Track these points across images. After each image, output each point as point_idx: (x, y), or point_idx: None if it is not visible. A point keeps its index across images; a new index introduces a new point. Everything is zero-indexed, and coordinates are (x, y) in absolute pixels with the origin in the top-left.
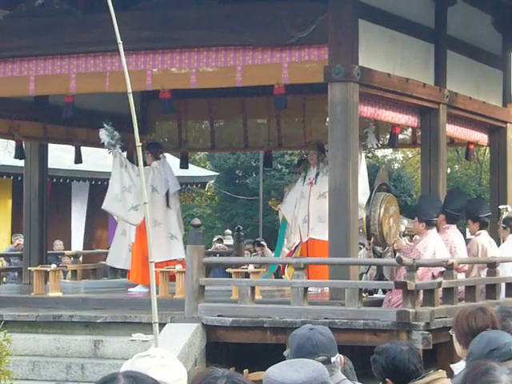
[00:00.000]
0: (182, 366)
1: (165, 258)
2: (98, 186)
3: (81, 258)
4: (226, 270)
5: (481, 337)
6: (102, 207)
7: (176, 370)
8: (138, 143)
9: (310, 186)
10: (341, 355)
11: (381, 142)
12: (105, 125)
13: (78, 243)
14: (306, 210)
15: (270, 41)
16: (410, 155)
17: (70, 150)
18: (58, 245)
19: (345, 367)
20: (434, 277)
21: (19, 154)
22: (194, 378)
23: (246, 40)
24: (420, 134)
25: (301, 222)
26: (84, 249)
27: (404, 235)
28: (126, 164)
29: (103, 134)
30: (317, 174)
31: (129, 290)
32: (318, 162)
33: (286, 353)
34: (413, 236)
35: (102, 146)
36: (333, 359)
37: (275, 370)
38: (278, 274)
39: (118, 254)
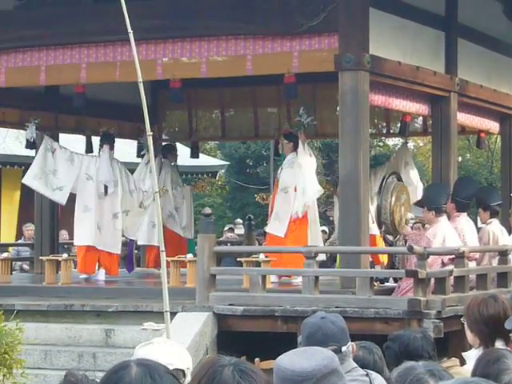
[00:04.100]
0: (186, 350)
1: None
2: None
3: None
4: (237, 259)
5: None
6: (22, 181)
7: (181, 354)
8: (149, 132)
9: (277, 181)
10: (353, 343)
11: (391, 131)
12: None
13: None
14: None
15: (280, 29)
16: (421, 144)
17: (80, 139)
18: (64, 235)
19: (374, 357)
20: (443, 264)
21: (30, 144)
22: (201, 367)
23: (257, 29)
24: (431, 122)
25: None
26: None
27: (416, 223)
28: (55, 148)
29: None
30: (281, 168)
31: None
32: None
33: (299, 339)
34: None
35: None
36: (343, 349)
37: (285, 358)
38: None
39: (85, 231)
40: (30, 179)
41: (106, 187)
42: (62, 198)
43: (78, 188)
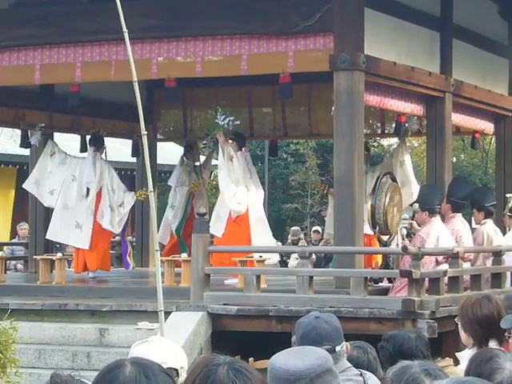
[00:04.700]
0: (181, 349)
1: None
2: None
3: None
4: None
5: None
6: (23, 186)
7: (176, 353)
8: (144, 132)
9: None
10: (347, 343)
11: (386, 131)
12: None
13: None
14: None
15: (276, 29)
16: (416, 144)
17: (74, 138)
18: None
19: (369, 357)
20: (437, 262)
21: (25, 143)
22: (195, 365)
23: (252, 29)
24: (426, 122)
25: None
26: None
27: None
28: (55, 151)
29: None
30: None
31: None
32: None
33: (293, 339)
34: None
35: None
36: (337, 348)
37: (279, 358)
38: None
39: (60, 228)
40: (31, 184)
41: (88, 188)
42: (53, 202)
43: (63, 188)
